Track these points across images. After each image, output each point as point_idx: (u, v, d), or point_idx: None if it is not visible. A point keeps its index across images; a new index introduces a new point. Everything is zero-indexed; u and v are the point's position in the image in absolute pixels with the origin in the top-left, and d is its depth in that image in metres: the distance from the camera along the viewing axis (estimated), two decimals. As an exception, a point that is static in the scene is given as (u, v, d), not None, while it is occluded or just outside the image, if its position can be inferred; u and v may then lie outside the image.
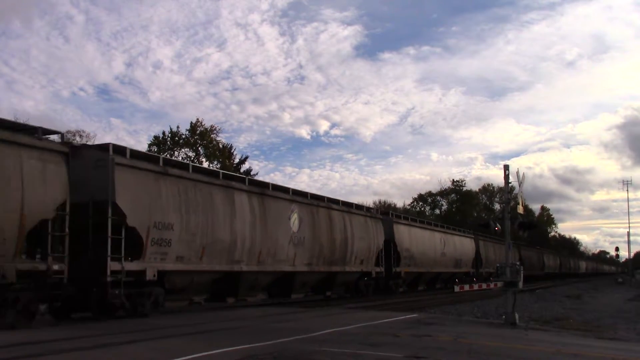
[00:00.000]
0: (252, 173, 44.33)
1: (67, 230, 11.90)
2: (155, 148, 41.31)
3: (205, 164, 40.70)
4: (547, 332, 13.27)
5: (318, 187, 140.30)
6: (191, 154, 42.66)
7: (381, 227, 25.86)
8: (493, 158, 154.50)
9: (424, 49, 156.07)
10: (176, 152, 42.17)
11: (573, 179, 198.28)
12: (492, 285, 34.25)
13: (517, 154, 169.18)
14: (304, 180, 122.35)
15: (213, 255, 15.70)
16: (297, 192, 20.74)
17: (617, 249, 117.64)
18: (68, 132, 28.45)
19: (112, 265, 12.69)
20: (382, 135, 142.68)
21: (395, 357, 8.30)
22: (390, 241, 26.63)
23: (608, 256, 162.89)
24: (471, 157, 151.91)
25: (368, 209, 26.96)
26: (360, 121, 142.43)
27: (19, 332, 10.37)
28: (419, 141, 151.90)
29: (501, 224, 15.55)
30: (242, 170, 43.21)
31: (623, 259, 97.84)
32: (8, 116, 11.57)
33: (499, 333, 12.39)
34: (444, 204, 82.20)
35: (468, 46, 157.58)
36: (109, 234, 12.68)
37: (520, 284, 14.27)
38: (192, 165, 16.67)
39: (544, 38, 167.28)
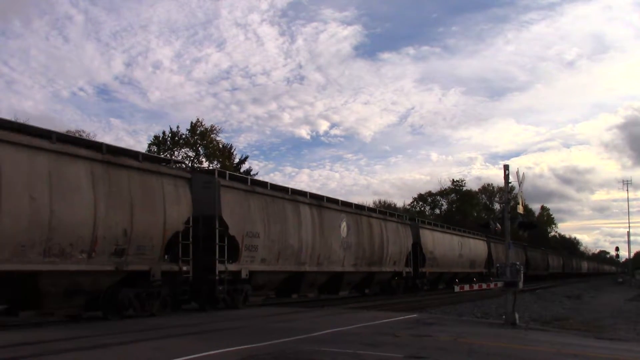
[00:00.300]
0: (252, 173, 44.34)
1: (190, 239, 14.97)
2: (155, 148, 41.31)
3: (205, 164, 40.77)
4: (547, 332, 13.27)
5: (318, 187, 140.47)
6: (191, 154, 42.69)
7: (410, 232, 29.10)
8: (493, 158, 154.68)
9: (424, 49, 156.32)
10: (176, 152, 42.17)
11: (573, 178, 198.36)
12: (492, 285, 34.25)
13: (516, 154, 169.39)
14: (304, 180, 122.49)
15: (285, 258, 18.77)
16: (345, 203, 23.95)
17: (617, 249, 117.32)
18: (68, 132, 28.43)
19: (219, 267, 15.85)
20: (382, 135, 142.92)
21: (395, 357, 8.30)
22: (417, 244, 29.90)
23: (608, 256, 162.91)
24: (471, 157, 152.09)
25: (399, 215, 30.35)
26: (360, 121, 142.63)
27: (19, 332, 10.38)
28: (418, 141, 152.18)
29: (501, 224, 15.56)
30: (241, 170, 43.20)
31: (623, 259, 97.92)
32: (8, 116, 11.77)
33: (499, 333, 12.39)
34: (444, 204, 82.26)
35: (468, 46, 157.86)
36: (217, 241, 15.82)
37: (521, 284, 14.28)
38: (270, 184, 19.71)
39: (544, 38, 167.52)
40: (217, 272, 15.78)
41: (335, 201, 23.16)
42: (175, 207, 14.31)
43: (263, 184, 19.35)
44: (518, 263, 14.89)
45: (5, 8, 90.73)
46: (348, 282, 23.98)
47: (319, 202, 21.58)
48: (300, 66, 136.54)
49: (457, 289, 32.20)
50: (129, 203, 12.98)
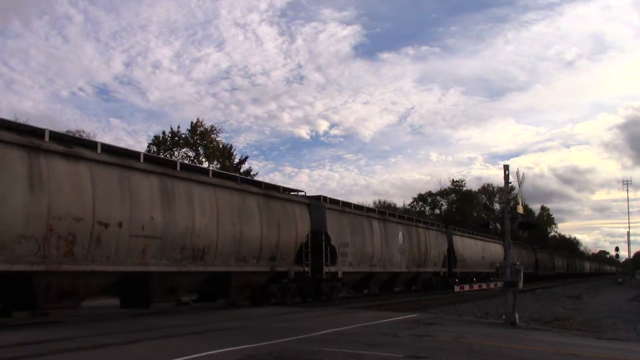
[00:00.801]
0: (252, 173, 44.34)
1: (310, 248, 20.07)
2: (154, 148, 41.28)
3: (205, 164, 40.71)
4: (547, 332, 13.27)
5: (317, 187, 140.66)
6: (191, 154, 42.64)
7: (445, 238, 34.10)
8: (492, 158, 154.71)
9: (423, 49, 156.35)
10: (176, 152, 42.14)
11: (573, 178, 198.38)
12: (492, 285, 34.25)
13: (516, 154, 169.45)
14: (304, 180, 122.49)
15: (363, 261, 24.18)
16: (400, 217, 30.00)
17: (617, 249, 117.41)
18: (68, 131, 28.49)
19: (325, 269, 20.83)
20: (382, 135, 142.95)
21: (395, 357, 8.30)
22: (450, 248, 34.58)
23: (608, 256, 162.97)
24: (471, 157, 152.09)
25: (438, 224, 35.66)
26: (360, 121, 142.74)
27: (19, 332, 10.38)
28: (418, 141, 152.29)
29: (501, 224, 15.55)
30: (241, 171, 43.18)
31: (623, 259, 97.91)
32: (7, 116, 11.80)
33: (499, 333, 12.39)
34: (444, 204, 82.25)
35: (467, 46, 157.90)
36: (324, 250, 20.90)
37: (520, 284, 14.28)
38: (353, 204, 25.20)
39: (543, 38, 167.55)
40: (323, 273, 20.88)
41: (394, 215, 29.53)
42: (301, 225, 19.74)
43: (348, 205, 24.57)
44: (518, 263, 14.89)
45: (5, 8, 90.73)
46: (401, 281, 30.00)
47: (383, 216, 27.29)
48: (299, 66, 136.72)
49: (457, 289, 32.21)
50: (277, 223, 18.23)
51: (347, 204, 24.43)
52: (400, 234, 28.06)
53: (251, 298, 18.49)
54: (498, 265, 14.63)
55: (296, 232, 19.41)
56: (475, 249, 40.30)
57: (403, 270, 28.29)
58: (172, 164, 15.28)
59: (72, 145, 12.13)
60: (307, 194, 21.67)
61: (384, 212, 29.39)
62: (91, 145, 12.90)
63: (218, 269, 15.76)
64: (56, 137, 11.99)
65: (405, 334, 11.10)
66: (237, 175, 17.78)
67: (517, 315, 14.11)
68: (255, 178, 36.32)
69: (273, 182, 20.41)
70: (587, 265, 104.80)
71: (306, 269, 19.94)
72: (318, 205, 21.50)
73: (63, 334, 10.05)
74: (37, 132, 11.61)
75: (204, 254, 15.09)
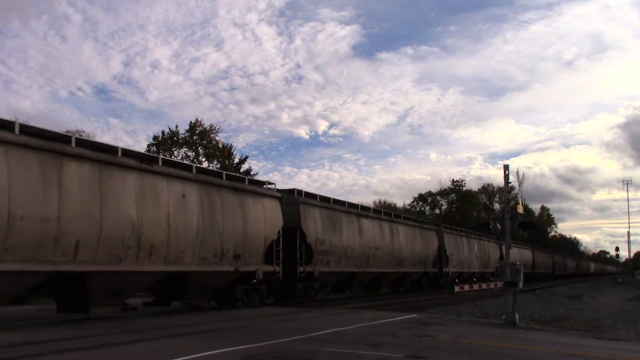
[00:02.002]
0: (251, 173, 44.33)
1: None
2: (154, 148, 41.27)
3: (205, 164, 40.70)
4: (547, 332, 13.27)
5: (317, 187, 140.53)
6: (190, 153, 42.63)
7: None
8: (492, 158, 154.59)
9: (422, 48, 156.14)
10: (175, 152, 42.13)
11: (574, 178, 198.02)
12: (492, 285, 34.24)
13: (516, 153, 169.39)
14: (303, 180, 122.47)
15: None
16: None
17: (617, 249, 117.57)
18: (68, 131, 28.46)
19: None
20: (381, 135, 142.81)
21: (395, 357, 8.30)
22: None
23: (608, 256, 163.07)
24: (470, 157, 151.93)
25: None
26: (359, 121, 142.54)
27: (19, 332, 10.38)
28: (417, 141, 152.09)
29: (501, 224, 15.55)
30: (241, 170, 43.17)
31: (623, 259, 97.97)
32: (7, 116, 11.76)
33: (499, 333, 12.39)
34: (444, 203, 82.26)
35: (466, 46, 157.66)
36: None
37: (520, 284, 14.28)
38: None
39: (542, 38, 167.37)
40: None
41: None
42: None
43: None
44: (518, 263, 14.90)
45: (4, 7, 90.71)
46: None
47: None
48: (298, 66, 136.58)
49: (457, 289, 32.21)
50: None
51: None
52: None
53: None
54: (498, 265, 14.63)
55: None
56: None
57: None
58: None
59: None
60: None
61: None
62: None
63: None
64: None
65: (405, 334, 11.10)
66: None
67: (517, 315, 14.11)
68: (255, 178, 36.37)
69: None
70: (592, 266, 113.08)
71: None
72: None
73: (63, 334, 10.05)
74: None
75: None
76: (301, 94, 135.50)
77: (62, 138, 12.17)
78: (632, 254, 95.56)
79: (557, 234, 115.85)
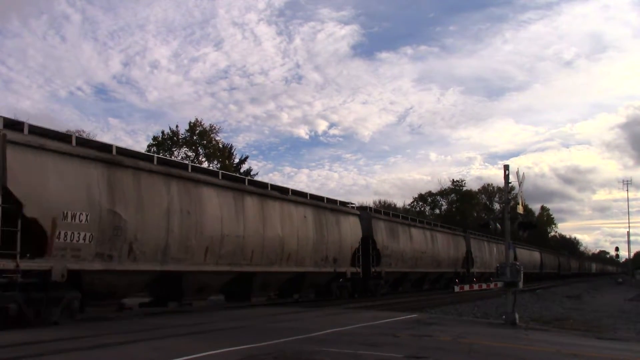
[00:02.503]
0: (251, 173, 44.35)
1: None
2: (154, 149, 41.28)
3: (205, 164, 40.70)
4: (547, 332, 13.27)
5: (317, 187, 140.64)
6: (190, 154, 42.64)
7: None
8: (492, 158, 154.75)
9: (422, 48, 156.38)
10: (175, 152, 42.14)
11: (575, 178, 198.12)
12: (492, 285, 34.27)
13: (515, 153, 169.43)
14: (303, 180, 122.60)
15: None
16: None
17: (617, 249, 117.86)
18: (68, 131, 28.48)
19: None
20: (381, 135, 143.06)
21: (395, 357, 8.29)
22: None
23: (608, 256, 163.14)
24: (470, 157, 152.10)
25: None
26: (359, 121, 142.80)
27: (19, 332, 10.37)
28: (417, 141, 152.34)
29: (501, 224, 15.55)
30: (242, 170, 43.20)
31: (623, 259, 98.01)
32: (7, 115, 11.67)
33: (499, 333, 12.39)
34: (444, 203, 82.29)
35: (465, 46, 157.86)
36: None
37: (520, 284, 14.28)
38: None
39: (542, 37, 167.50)
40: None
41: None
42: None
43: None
44: (517, 263, 14.89)
45: (4, 7, 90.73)
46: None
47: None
48: (298, 66, 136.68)
49: (457, 289, 32.24)
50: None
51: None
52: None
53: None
54: (498, 265, 14.64)
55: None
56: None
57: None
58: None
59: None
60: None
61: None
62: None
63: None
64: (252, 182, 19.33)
65: (405, 334, 11.10)
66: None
67: (517, 315, 14.11)
68: (255, 178, 36.86)
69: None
70: (594, 266, 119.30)
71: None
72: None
73: (63, 334, 10.04)
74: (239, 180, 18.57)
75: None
76: (301, 94, 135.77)
77: (241, 179, 18.68)
78: (632, 254, 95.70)
79: (557, 234, 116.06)
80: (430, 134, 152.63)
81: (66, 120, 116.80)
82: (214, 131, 43.99)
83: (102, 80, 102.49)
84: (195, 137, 42.82)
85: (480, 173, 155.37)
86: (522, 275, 14.25)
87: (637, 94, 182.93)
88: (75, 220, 11.72)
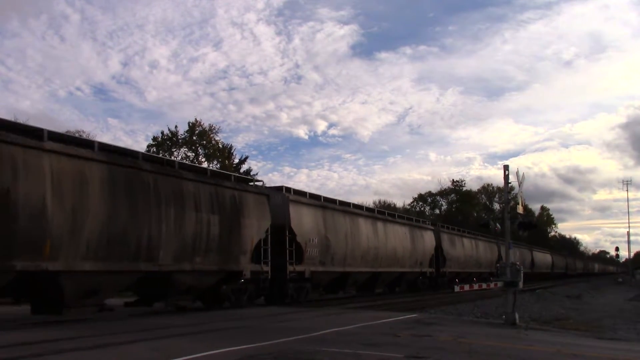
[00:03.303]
0: (251, 173, 44.32)
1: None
2: (154, 149, 41.26)
3: (205, 164, 40.69)
4: (547, 332, 13.27)
5: (316, 187, 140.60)
6: (190, 154, 42.62)
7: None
8: (491, 158, 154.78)
9: (421, 48, 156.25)
10: (175, 152, 42.12)
11: (575, 178, 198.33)
12: (492, 285, 34.22)
13: (515, 154, 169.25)
14: (303, 180, 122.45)
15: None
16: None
17: (617, 249, 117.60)
18: (68, 131, 28.48)
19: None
20: (380, 135, 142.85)
21: (395, 357, 8.29)
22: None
23: (608, 256, 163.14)
24: (469, 157, 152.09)
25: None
26: (358, 121, 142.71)
27: (19, 332, 10.38)
28: (417, 141, 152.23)
29: (501, 224, 15.55)
30: (242, 171, 43.16)
31: (623, 259, 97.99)
32: (7, 116, 11.76)
33: (499, 333, 12.39)
34: (444, 204, 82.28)
35: (465, 46, 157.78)
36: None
37: (521, 284, 14.28)
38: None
39: (541, 37, 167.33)
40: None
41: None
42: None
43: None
44: (518, 263, 14.89)
45: (3, 7, 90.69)
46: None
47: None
48: (297, 66, 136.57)
49: (457, 288, 32.19)
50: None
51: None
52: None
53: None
54: (498, 265, 14.64)
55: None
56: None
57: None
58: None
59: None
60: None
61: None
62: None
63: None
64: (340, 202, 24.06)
65: (406, 334, 11.10)
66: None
67: (517, 315, 14.11)
68: (256, 178, 36.89)
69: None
70: (596, 266, 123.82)
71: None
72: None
73: (63, 334, 10.04)
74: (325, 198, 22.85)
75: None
76: (300, 94, 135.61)
77: (371, 209, 27.37)
78: (632, 254, 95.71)
79: (556, 234, 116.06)
80: (429, 134, 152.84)
81: (66, 120, 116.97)
82: (214, 131, 44.00)
83: (102, 80, 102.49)
84: (194, 137, 42.80)
85: (480, 173, 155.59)
86: (522, 275, 14.26)
87: (636, 93, 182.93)
88: (312, 242, 20.67)
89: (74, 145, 12.46)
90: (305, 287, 20.54)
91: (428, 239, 31.80)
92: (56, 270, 11.35)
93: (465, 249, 38.19)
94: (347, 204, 25.02)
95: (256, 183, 20.04)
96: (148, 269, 13.54)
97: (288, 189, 20.51)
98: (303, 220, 20.39)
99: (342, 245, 22.74)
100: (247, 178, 20.34)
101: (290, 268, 19.35)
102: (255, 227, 17.67)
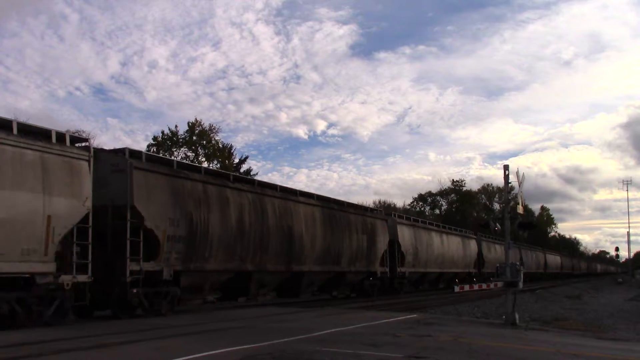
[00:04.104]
0: (251, 173, 44.32)
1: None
2: (154, 149, 41.28)
3: (205, 164, 40.67)
4: (547, 332, 13.27)
5: (316, 187, 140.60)
6: (190, 154, 42.62)
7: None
8: (491, 158, 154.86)
9: (420, 48, 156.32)
10: (175, 152, 42.11)
11: (576, 178, 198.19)
12: (492, 285, 34.25)
13: (514, 153, 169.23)
14: (302, 180, 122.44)
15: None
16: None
17: (617, 249, 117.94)
18: (68, 131, 28.40)
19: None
20: (380, 135, 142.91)
21: (395, 357, 8.30)
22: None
23: (608, 256, 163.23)
24: (469, 157, 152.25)
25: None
26: (357, 121, 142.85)
27: (19, 332, 10.38)
28: (416, 141, 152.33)
29: (501, 224, 15.55)
30: (242, 171, 43.17)
31: (623, 259, 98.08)
32: (7, 116, 11.65)
33: (499, 333, 12.39)
34: (444, 204, 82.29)
35: (464, 45, 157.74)
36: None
37: (521, 284, 14.28)
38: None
39: (540, 37, 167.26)
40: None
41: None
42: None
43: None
44: (518, 263, 14.89)
45: (2, 6, 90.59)
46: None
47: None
48: (296, 65, 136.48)
49: (456, 289, 32.23)
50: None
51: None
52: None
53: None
54: (498, 265, 14.64)
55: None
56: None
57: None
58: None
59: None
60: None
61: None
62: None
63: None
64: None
65: (406, 334, 11.10)
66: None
67: (517, 316, 14.11)
68: (255, 178, 36.91)
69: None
70: (599, 267, 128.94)
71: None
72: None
73: (63, 334, 10.05)
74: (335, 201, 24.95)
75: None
76: (299, 94, 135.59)
77: (431, 223, 34.86)
78: (632, 254, 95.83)
79: (556, 234, 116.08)
80: (429, 134, 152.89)
81: (65, 120, 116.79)
82: (214, 131, 44.02)
83: (101, 80, 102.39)
84: (194, 137, 42.81)
85: (480, 173, 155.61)
86: (522, 275, 14.26)
87: (635, 93, 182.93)
88: (409, 251, 29.88)
89: (305, 197, 21.23)
90: (404, 282, 29.24)
91: (470, 246, 39.63)
92: (306, 270, 20.12)
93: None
94: (424, 222, 35.31)
95: (381, 211, 30.06)
96: (337, 270, 22.43)
97: (396, 214, 30.72)
98: (404, 236, 29.14)
99: (424, 252, 31.30)
100: (374, 209, 29.57)
101: (399, 269, 28.22)
102: (382, 242, 26.02)
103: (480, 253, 41.28)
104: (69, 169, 11.93)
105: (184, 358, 7.72)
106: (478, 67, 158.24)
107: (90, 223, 12.21)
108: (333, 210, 22.64)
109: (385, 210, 36.27)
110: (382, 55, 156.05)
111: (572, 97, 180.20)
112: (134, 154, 14.52)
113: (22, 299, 11.06)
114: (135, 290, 13.57)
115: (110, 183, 13.46)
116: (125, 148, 14.50)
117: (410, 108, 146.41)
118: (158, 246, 14.14)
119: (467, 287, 33.40)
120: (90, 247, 12.24)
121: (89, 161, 12.50)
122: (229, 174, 18.46)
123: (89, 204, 12.17)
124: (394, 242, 27.66)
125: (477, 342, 10.28)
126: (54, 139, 11.91)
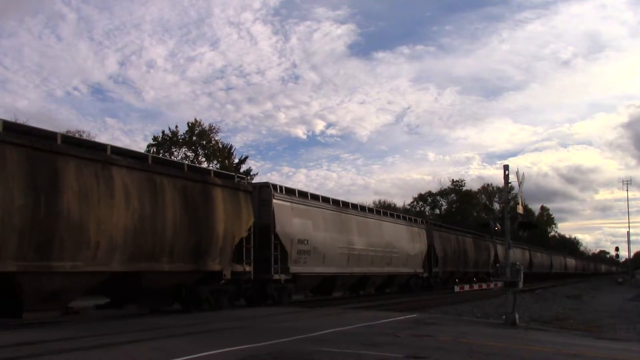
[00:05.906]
0: (251, 173, 44.30)
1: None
2: (154, 149, 41.26)
3: (205, 164, 40.67)
4: (547, 332, 13.28)
5: (315, 187, 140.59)
6: (190, 154, 42.61)
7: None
8: (490, 158, 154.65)
9: (418, 48, 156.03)
10: (175, 152, 42.11)
11: (577, 178, 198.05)
12: (492, 285, 34.26)
13: (514, 153, 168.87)
14: (301, 180, 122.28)
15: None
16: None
17: (617, 249, 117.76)
18: (68, 132, 28.48)
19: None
20: (379, 134, 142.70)
21: (395, 357, 8.30)
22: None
23: (608, 256, 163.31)
24: (468, 157, 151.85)
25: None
26: (356, 121, 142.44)
27: (19, 332, 10.39)
28: (415, 141, 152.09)
29: (501, 224, 15.55)
30: (241, 171, 43.14)
31: (623, 259, 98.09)
32: (7, 116, 11.72)
33: (499, 333, 12.39)
34: (444, 204, 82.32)
35: (462, 45, 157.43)
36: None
37: (521, 284, 14.29)
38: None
39: (539, 37, 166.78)
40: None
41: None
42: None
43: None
44: (518, 263, 14.90)
45: (1, 6, 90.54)
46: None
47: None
48: (294, 65, 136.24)
49: (457, 289, 32.24)
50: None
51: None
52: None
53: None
54: (498, 264, 14.64)
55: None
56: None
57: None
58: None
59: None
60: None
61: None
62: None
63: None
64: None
65: (406, 333, 11.10)
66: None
67: (517, 315, 14.11)
68: (255, 178, 36.72)
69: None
70: (602, 267, 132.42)
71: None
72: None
73: (63, 334, 10.05)
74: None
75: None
76: (298, 94, 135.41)
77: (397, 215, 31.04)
78: (632, 254, 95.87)
79: (556, 234, 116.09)
80: (428, 134, 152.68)
81: (64, 120, 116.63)
82: (214, 131, 44.00)
83: (99, 80, 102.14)
84: (194, 138, 42.79)
85: (479, 173, 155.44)
86: (522, 275, 14.26)
87: (635, 93, 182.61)
88: (442, 255, 34.01)
89: (390, 217, 27.79)
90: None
91: (490, 248, 41.86)
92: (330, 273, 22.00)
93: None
94: (452, 229, 37.78)
95: (422, 220, 32.93)
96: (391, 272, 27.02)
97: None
98: (438, 241, 32.53)
99: (452, 254, 34.71)
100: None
101: (434, 270, 31.44)
102: (423, 247, 30.26)
103: (496, 255, 43.32)
104: (245, 199, 17.37)
105: (183, 358, 7.73)
106: (477, 66, 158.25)
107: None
108: (397, 224, 28.67)
109: (420, 218, 38.68)
110: (380, 55, 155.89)
111: (571, 97, 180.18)
112: (274, 186, 19.39)
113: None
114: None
115: (260, 208, 18.65)
116: (268, 182, 19.64)
117: (409, 108, 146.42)
118: (288, 255, 19.18)
119: (467, 287, 33.40)
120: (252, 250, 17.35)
121: (250, 192, 17.83)
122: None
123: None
124: (430, 247, 32.12)
125: (477, 342, 10.28)
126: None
